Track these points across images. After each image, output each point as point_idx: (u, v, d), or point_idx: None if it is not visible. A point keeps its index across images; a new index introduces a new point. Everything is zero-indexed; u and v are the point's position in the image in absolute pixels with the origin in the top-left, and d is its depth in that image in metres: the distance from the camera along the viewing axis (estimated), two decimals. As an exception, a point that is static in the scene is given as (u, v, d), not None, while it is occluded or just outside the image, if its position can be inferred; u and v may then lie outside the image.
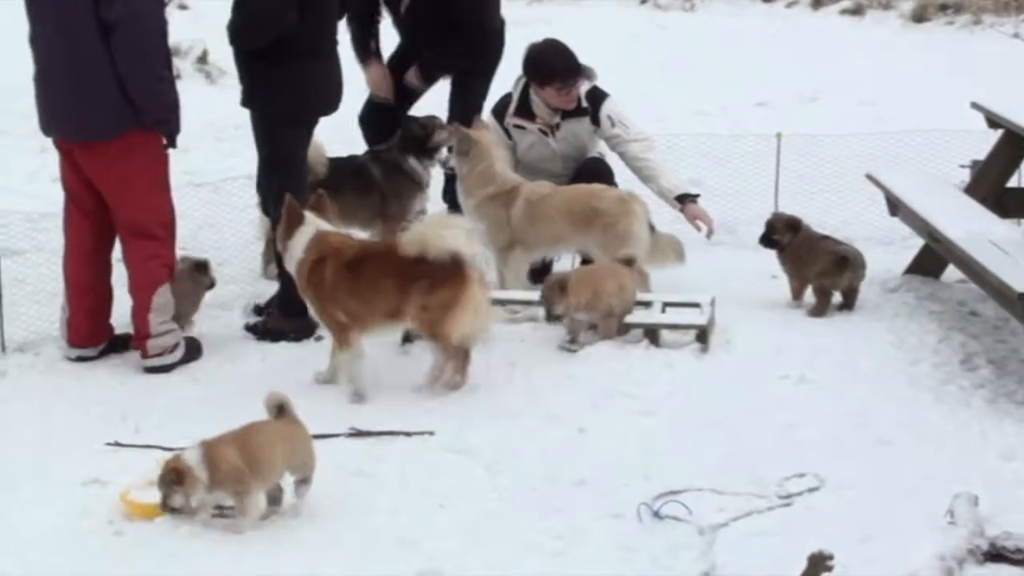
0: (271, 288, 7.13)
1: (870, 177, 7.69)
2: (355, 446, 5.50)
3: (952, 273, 7.32)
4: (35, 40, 6.29)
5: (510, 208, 7.27)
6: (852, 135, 8.94)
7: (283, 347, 6.69)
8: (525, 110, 7.66)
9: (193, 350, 6.54)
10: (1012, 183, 7.75)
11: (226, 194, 8.17)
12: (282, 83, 6.63)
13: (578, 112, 7.60)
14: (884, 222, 7.89)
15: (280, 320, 6.79)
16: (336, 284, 6.00)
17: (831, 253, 7.04)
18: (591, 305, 6.52)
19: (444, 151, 7.71)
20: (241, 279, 7.54)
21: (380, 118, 8.16)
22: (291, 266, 6.17)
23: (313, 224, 6.10)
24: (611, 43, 13.88)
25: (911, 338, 6.63)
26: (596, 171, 7.59)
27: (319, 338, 6.59)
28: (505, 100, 7.76)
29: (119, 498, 4.96)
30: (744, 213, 8.19)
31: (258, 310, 7.06)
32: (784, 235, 7.17)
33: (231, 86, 8.50)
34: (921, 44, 15.45)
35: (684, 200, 7.45)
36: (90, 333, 6.54)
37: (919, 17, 16.74)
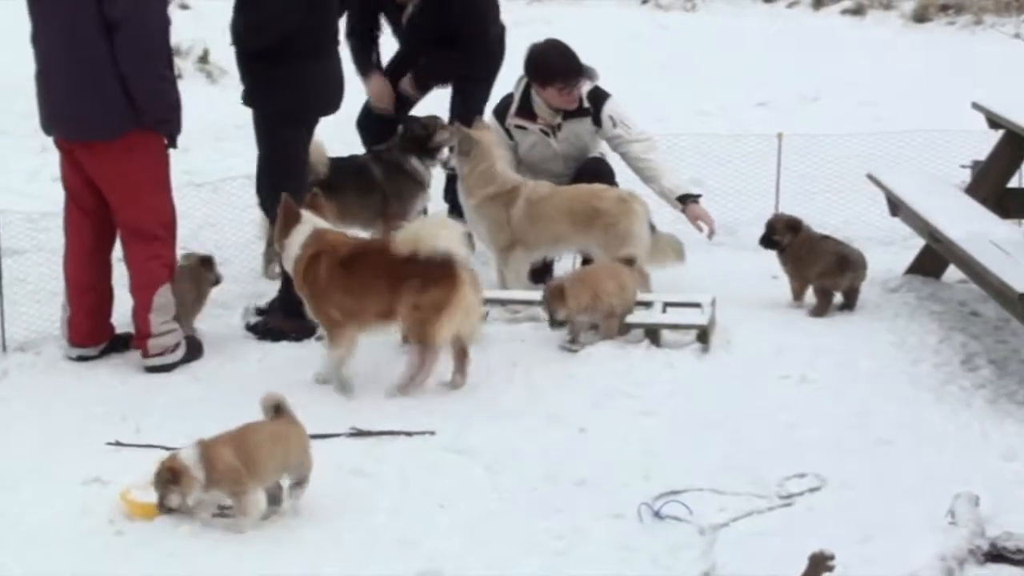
0: (272, 288, 7.13)
1: (871, 177, 7.68)
2: (355, 446, 5.50)
3: (953, 273, 7.31)
4: (37, 39, 6.29)
5: (511, 208, 7.27)
6: (853, 135, 8.94)
7: (283, 347, 6.69)
8: (527, 110, 7.66)
9: (194, 350, 6.53)
10: (1013, 183, 7.75)
11: (226, 194, 8.17)
12: (283, 83, 6.64)
13: (580, 112, 7.59)
14: (885, 222, 7.88)
15: (281, 320, 6.79)
16: (330, 281, 6.00)
17: (832, 253, 7.04)
18: (592, 307, 6.52)
19: (445, 151, 7.71)
20: (242, 279, 7.54)
21: (377, 122, 8.14)
22: (288, 264, 6.19)
23: (310, 222, 6.11)
24: (612, 43, 13.86)
25: (912, 338, 6.63)
26: (597, 171, 7.58)
27: (319, 338, 6.58)
28: (507, 100, 7.75)
29: (120, 497, 4.95)
30: (745, 213, 8.18)
31: (259, 310, 7.06)
32: (785, 236, 7.17)
33: (232, 86, 8.50)
34: (922, 44, 15.42)
35: (686, 200, 7.45)
36: (91, 332, 6.54)
37: (920, 17, 16.72)
